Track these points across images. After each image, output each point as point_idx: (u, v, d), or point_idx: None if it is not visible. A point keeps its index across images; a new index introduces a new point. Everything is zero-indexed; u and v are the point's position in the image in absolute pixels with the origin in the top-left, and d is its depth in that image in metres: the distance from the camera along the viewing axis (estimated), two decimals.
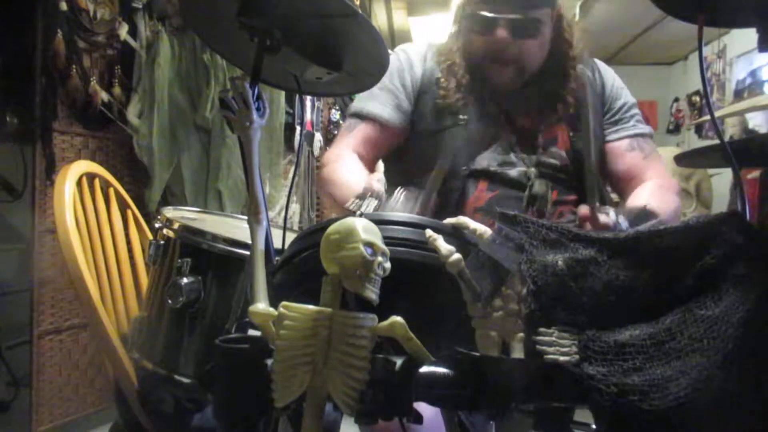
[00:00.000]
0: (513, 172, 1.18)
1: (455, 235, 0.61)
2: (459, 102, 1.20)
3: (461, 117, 1.20)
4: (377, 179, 0.95)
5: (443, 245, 0.56)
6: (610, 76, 1.31)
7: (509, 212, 0.57)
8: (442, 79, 1.22)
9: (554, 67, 1.22)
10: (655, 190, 1.17)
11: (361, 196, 0.95)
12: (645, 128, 1.27)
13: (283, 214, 2.77)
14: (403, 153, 1.28)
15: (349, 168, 1.17)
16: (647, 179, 1.22)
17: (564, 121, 1.23)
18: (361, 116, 1.25)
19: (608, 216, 0.93)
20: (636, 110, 1.29)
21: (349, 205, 0.93)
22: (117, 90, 2.33)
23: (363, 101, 1.25)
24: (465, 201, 1.17)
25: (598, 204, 1.04)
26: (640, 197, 1.16)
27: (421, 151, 1.23)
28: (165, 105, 2.36)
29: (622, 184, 1.26)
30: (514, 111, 1.22)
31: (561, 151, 1.22)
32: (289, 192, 1.48)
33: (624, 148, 1.25)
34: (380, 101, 1.23)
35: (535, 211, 1.15)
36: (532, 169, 1.18)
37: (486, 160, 1.19)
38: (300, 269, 0.64)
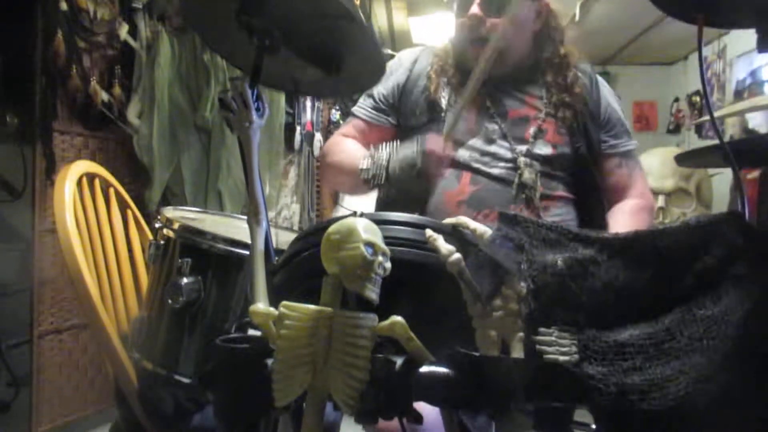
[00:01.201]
0: (496, 167, 1.21)
1: (455, 235, 0.61)
2: (444, 94, 1.27)
3: (445, 109, 1.25)
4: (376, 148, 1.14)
5: (443, 245, 0.56)
6: (606, 89, 1.37)
7: (509, 212, 0.57)
8: (432, 74, 1.30)
9: (543, 59, 1.29)
10: (632, 211, 1.29)
11: (371, 155, 1.13)
12: (633, 144, 1.35)
13: (282, 213, 2.78)
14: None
15: (348, 144, 1.34)
16: (629, 196, 1.33)
17: (554, 116, 1.26)
18: (351, 115, 1.43)
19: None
20: (626, 125, 1.36)
21: (362, 165, 1.12)
22: (117, 90, 2.33)
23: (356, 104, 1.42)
24: (448, 193, 1.21)
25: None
26: (616, 218, 1.29)
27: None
28: (165, 105, 2.36)
29: (608, 194, 1.34)
30: (500, 101, 1.27)
31: (549, 144, 1.24)
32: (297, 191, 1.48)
33: (614, 165, 1.32)
34: (360, 104, 1.39)
35: (524, 200, 1.19)
36: (522, 158, 1.21)
37: (468, 151, 1.22)
38: (300, 269, 0.64)
